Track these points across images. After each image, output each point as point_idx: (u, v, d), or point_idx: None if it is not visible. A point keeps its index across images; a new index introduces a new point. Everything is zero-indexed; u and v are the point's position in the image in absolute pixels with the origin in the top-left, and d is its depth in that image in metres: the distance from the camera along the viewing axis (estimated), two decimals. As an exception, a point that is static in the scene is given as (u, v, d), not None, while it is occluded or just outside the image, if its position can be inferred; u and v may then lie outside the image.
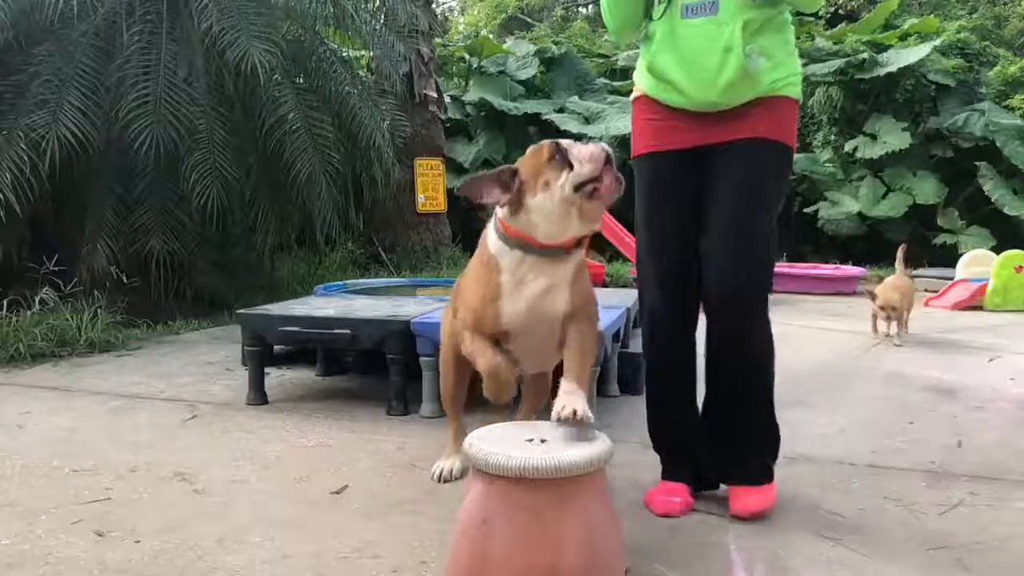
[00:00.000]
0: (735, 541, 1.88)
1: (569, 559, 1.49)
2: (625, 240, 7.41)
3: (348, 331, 3.09)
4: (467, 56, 11.24)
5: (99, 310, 4.56)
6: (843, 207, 9.70)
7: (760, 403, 2.10)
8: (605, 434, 1.66)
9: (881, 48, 10.43)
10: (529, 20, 18.68)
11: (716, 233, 2.01)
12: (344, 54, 6.76)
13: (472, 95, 10.36)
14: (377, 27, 6.58)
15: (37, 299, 4.53)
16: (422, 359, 3.01)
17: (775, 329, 2.10)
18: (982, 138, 9.56)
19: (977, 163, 9.54)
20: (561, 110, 10.41)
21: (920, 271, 7.77)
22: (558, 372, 1.85)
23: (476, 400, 2.27)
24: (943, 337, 5.17)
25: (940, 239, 9.38)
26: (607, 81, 11.63)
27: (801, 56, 2.15)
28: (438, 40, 10.49)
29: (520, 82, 10.89)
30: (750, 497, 2.04)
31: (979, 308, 6.58)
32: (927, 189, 9.54)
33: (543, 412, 2.23)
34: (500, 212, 1.81)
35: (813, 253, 9.93)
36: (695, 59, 1.97)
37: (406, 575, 1.73)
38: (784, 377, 2.13)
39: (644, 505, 2.11)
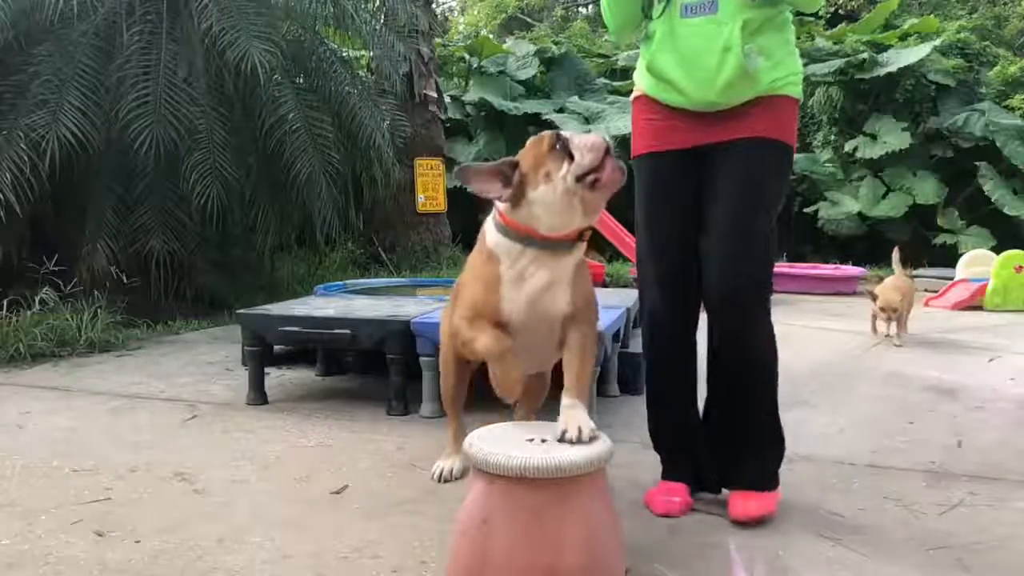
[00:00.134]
0: (735, 541, 1.88)
1: (569, 559, 1.49)
2: (625, 240, 7.41)
3: (348, 331, 3.09)
4: (467, 56, 11.24)
5: (99, 310, 4.56)
6: (843, 207, 9.70)
7: (761, 404, 2.09)
8: (605, 434, 1.66)
9: (881, 48, 10.43)
10: (529, 20, 18.67)
11: (716, 233, 2.01)
12: (344, 54, 6.75)
13: (472, 95, 10.36)
14: (377, 27, 6.58)
15: (37, 299, 4.53)
16: (422, 359, 3.01)
17: (775, 329, 2.09)
18: (982, 138, 9.57)
19: (977, 163, 9.54)
20: (561, 110, 10.41)
21: (920, 271, 7.77)
22: (557, 370, 1.84)
23: (476, 400, 2.27)
24: (943, 337, 5.17)
25: (940, 239, 9.38)
26: (607, 81, 11.62)
27: (801, 56, 2.14)
28: (438, 40, 10.49)
29: (520, 82, 10.88)
30: (751, 502, 2.02)
31: (979, 308, 6.58)
32: (927, 189, 9.54)
33: (542, 413, 2.23)
34: (500, 206, 1.79)
35: (813, 253, 9.93)
36: (694, 59, 1.96)
37: (406, 575, 1.73)
38: (784, 377, 2.13)
39: (644, 505, 2.11)
